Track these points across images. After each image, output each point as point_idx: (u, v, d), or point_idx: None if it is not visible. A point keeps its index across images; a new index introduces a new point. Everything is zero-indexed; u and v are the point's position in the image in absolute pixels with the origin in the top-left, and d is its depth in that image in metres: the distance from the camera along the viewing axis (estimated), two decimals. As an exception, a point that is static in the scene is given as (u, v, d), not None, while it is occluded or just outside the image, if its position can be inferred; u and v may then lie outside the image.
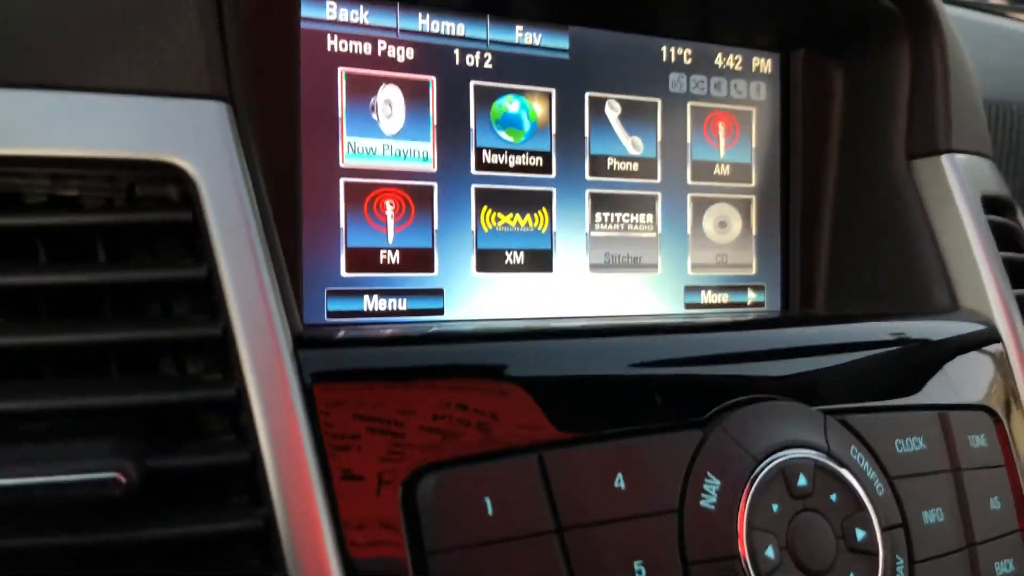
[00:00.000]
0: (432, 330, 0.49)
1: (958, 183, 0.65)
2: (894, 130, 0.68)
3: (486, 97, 0.62)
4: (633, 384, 0.48)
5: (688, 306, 0.69)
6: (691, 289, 0.69)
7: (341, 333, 0.46)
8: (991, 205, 0.68)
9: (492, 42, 0.62)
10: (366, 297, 0.58)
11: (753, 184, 0.72)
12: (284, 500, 0.39)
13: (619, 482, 0.44)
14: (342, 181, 0.57)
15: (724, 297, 0.70)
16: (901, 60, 0.68)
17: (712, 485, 0.45)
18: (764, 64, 0.72)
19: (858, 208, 0.70)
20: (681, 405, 0.48)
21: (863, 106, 0.70)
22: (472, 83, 0.61)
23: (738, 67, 0.71)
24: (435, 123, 0.60)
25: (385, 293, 0.59)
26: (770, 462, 0.46)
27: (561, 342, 0.49)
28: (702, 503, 0.45)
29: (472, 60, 0.61)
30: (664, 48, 0.68)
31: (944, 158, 0.66)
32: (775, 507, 0.45)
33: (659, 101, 0.68)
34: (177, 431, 0.42)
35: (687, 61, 0.69)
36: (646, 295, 0.67)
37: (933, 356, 0.58)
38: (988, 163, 0.71)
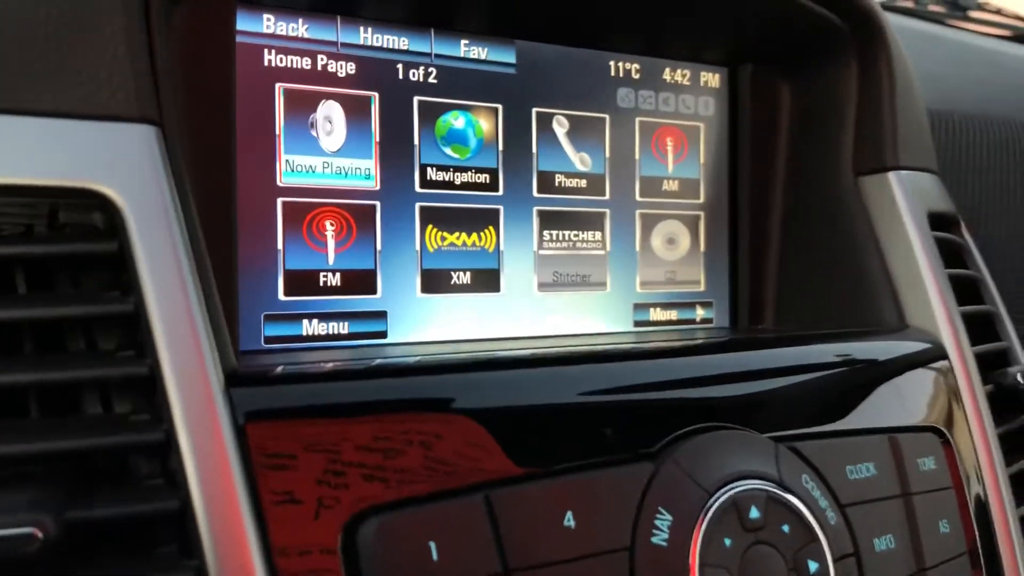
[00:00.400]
0: (374, 363, 0.47)
1: (905, 200, 0.65)
2: (842, 146, 0.68)
3: (431, 113, 0.60)
4: (582, 415, 0.46)
5: (637, 324, 0.68)
6: (640, 307, 0.68)
7: (277, 369, 0.44)
8: (937, 221, 0.68)
9: (436, 56, 0.60)
10: (305, 321, 0.56)
11: (702, 200, 0.71)
12: (216, 550, 0.37)
13: (569, 520, 0.42)
14: (280, 201, 0.55)
15: (673, 314, 0.69)
16: (849, 76, 0.68)
17: (664, 521, 0.44)
18: (712, 79, 0.71)
19: (806, 224, 0.70)
20: (631, 436, 0.47)
21: (811, 122, 0.70)
22: (416, 99, 0.59)
23: (686, 82, 0.70)
24: (378, 140, 0.58)
25: (325, 316, 0.56)
26: (722, 495, 0.45)
27: (507, 373, 0.47)
28: (654, 540, 0.43)
29: (416, 75, 0.59)
30: (612, 63, 0.67)
31: (891, 175, 0.66)
32: (728, 541, 0.44)
33: (607, 116, 0.66)
34: (103, 473, 0.40)
35: (635, 76, 0.68)
36: (595, 314, 0.66)
37: (882, 377, 0.58)
38: (934, 179, 0.71)
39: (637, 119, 0.68)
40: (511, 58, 0.62)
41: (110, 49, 0.41)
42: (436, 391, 0.44)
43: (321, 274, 0.56)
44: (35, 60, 0.40)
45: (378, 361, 0.48)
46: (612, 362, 0.51)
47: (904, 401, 0.58)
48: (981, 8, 1.68)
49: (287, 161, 0.55)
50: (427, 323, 0.60)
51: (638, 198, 0.68)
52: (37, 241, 0.41)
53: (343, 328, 0.57)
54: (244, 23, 0.54)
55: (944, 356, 0.61)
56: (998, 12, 1.72)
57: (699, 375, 0.52)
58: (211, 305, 0.41)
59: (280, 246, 0.55)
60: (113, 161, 0.41)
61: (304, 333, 0.56)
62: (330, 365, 0.45)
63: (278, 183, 0.55)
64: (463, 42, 0.61)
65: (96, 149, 0.41)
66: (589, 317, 0.66)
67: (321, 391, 0.42)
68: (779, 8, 0.65)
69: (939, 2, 1.64)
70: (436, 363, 0.47)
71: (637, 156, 0.68)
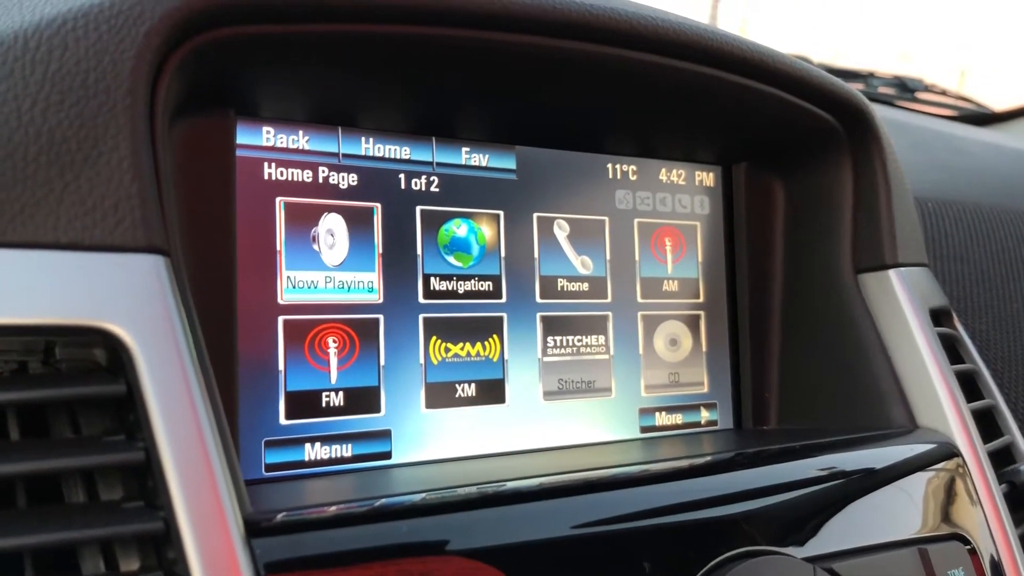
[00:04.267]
0: (395, 503, 0.44)
1: (907, 298, 0.65)
2: (839, 244, 0.68)
3: (433, 222, 0.58)
4: (615, 547, 0.44)
5: (643, 429, 0.66)
6: (645, 411, 0.66)
7: (295, 514, 0.40)
8: (935, 316, 0.68)
9: (438, 164, 0.58)
10: (307, 445, 0.53)
11: (701, 299, 0.70)
12: None
13: (616, 668, 0.40)
14: (281, 319, 0.52)
15: (678, 418, 0.68)
16: (843, 174, 0.68)
17: (712, 661, 0.41)
18: (707, 178, 0.71)
19: (806, 322, 0.69)
20: (667, 566, 0.44)
21: (807, 219, 0.70)
22: (418, 208, 0.57)
23: (681, 181, 0.70)
24: (380, 251, 0.56)
25: (328, 439, 0.53)
26: (768, 628, 0.43)
27: (532, 506, 0.45)
28: None
29: (418, 184, 0.57)
30: (610, 165, 0.66)
31: (892, 273, 0.66)
32: None
33: (607, 219, 0.65)
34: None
35: (632, 177, 0.67)
36: (601, 421, 0.64)
37: (903, 483, 0.56)
38: (927, 272, 0.71)
39: (636, 220, 0.67)
40: (511, 164, 0.61)
41: (116, 175, 0.39)
42: (463, 532, 0.41)
43: (324, 394, 0.53)
44: (33, 188, 0.37)
45: (397, 500, 0.45)
46: (634, 487, 0.49)
47: (926, 507, 0.56)
48: (928, 90, 1.73)
49: (288, 277, 0.52)
50: (432, 440, 0.57)
51: (639, 299, 0.67)
52: (37, 385, 0.37)
53: (346, 451, 0.54)
54: (243, 136, 0.52)
55: (958, 455, 0.60)
56: (943, 93, 1.78)
57: (725, 493, 0.50)
58: (226, 446, 0.38)
59: (281, 367, 0.52)
60: (119, 296, 0.38)
61: (306, 459, 0.53)
62: (352, 507, 0.42)
63: (279, 301, 0.52)
64: (464, 149, 0.59)
65: (100, 283, 0.38)
66: (596, 425, 0.63)
67: (342, 537, 0.39)
68: (772, 108, 0.65)
69: (888, 84, 1.69)
70: (456, 500, 0.44)
71: (637, 257, 0.67)
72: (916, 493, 0.57)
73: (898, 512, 0.55)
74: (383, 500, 0.44)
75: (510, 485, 0.48)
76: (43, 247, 0.37)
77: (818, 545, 0.50)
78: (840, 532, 0.52)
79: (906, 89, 1.71)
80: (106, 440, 0.38)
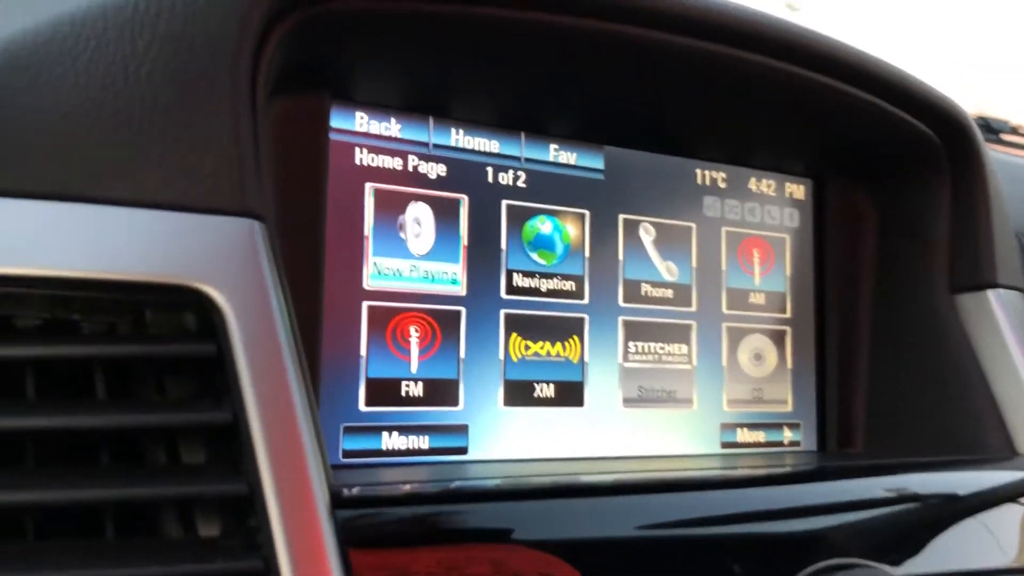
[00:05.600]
0: (475, 485, 0.43)
1: (1007, 320, 0.62)
2: (934, 262, 0.65)
3: (518, 217, 0.57)
4: (697, 551, 0.42)
5: (724, 445, 0.63)
6: (727, 427, 0.64)
7: (380, 489, 0.40)
8: (1036, 342, 0.65)
9: (526, 160, 0.58)
10: (385, 434, 0.52)
11: (788, 315, 0.68)
12: None
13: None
14: (365, 305, 0.52)
15: (760, 436, 0.65)
16: (941, 191, 0.65)
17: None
18: (797, 190, 0.69)
19: (898, 342, 0.67)
20: (760, 573, 0.42)
21: (900, 236, 0.67)
22: (504, 202, 0.57)
23: (771, 192, 0.68)
24: (465, 243, 0.55)
25: (406, 429, 0.53)
26: (865, 643, 0.41)
27: (608, 501, 0.43)
28: None
29: (505, 178, 0.57)
30: (698, 171, 0.65)
31: (990, 293, 0.63)
32: None
33: (694, 225, 0.64)
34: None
35: (721, 185, 0.65)
36: (680, 433, 0.62)
37: (1003, 512, 0.54)
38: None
39: (723, 229, 0.65)
40: (599, 164, 0.60)
41: (216, 138, 0.39)
42: (537, 522, 0.40)
43: (403, 383, 0.52)
44: (136, 149, 0.38)
45: (475, 483, 0.44)
46: (717, 489, 0.47)
47: (1028, 537, 0.53)
48: (1014, 132, 1.68)
49: (375, 263, 0.52)
50: (508, 438, 0.56)
51: (725, 311, 0.65)
52: (128, 341, 0.37)
53: (423, 443, 0.53)
54: (337, 120, 0.52)
55: (1064, 488, 0.57)
56: (1030, 135, 1.73)
57: (814, 504, 0.48)
58: (314, 416, 0.38)
59: (363, 352, 0.51)
60: (214, 257, 0.38)
61: (383, 447, 0.52)
62: (431, 487, 0.41)
63: (364, 286, 0.52)
64: (552, 147, 0.59)
65: (196, 244, 0.37)
66: (676, 436, 0.61)
67: (423, 516, 0.38)
68: (869, 117, 0.63)
69: (973, 125, 1.64)
70: (534, 488, 0.43)
71: (724, 267, 0.65)
72: (1015, 522, 0.54)
73: (996, 539, 0.52)
74: (460, 483, 0.43)
75: (586, 478, 0.46)
76: (142, 205, 0.37)
77: (912, 565, 0.47)
78: (935, 553, 0.49)
79: (990, 130, 1.66)
80: (194, 403, 0.37)
